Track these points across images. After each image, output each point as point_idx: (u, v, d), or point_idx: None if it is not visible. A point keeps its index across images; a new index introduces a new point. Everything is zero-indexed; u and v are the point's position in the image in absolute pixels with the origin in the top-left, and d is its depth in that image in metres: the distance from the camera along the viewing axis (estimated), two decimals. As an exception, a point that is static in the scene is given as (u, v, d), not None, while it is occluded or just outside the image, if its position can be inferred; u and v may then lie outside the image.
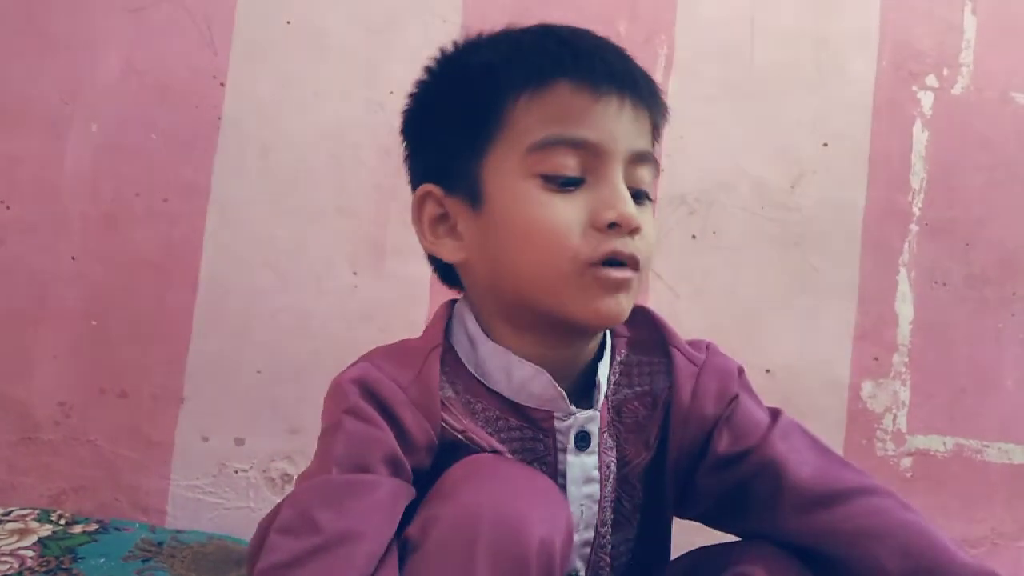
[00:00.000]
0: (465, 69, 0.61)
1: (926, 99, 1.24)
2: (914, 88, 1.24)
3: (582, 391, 0.61)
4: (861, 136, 1.23)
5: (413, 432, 0.56)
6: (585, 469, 0.60)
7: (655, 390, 0.63)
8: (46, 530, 1.05)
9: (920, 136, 1.24)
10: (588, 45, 0.58)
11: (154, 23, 1.21)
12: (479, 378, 0.60)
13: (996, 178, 1.24)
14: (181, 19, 1.22)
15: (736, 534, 0.65)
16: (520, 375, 0.58)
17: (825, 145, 1.23)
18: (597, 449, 0.60)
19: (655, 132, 0.62)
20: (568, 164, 0.55)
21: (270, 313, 1.17)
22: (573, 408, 0.59)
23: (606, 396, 0.62)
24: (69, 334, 1.16)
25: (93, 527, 1.07)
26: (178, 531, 1.09)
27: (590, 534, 0.61)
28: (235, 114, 1.20)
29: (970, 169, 1.24)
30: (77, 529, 1.06)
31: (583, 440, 0.59)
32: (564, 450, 0.59)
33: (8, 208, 1.18)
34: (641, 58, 0.62)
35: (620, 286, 0.56)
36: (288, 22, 1.21)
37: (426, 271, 1.19)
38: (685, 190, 1.21)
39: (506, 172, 0.56)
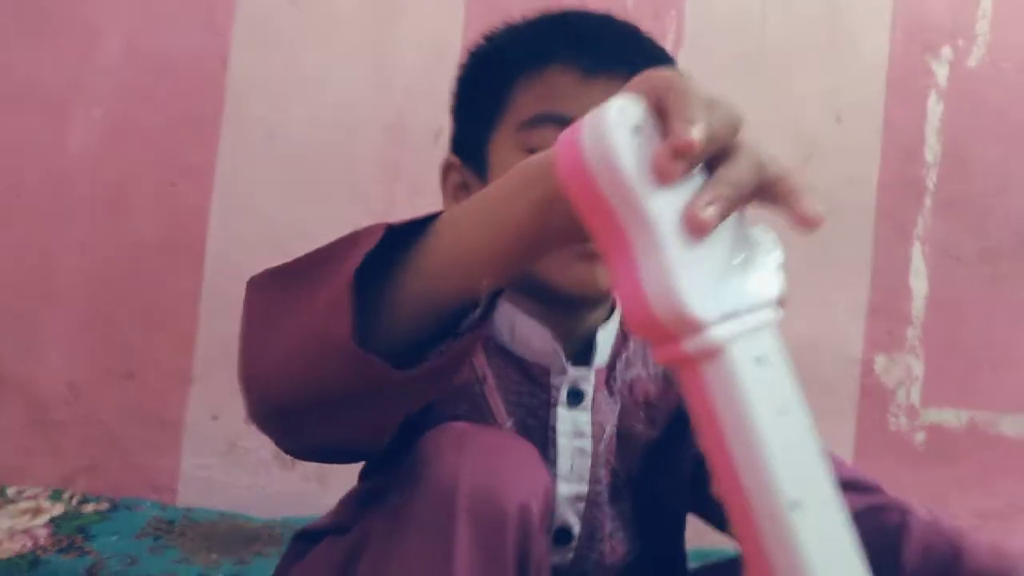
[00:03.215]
0: (482, 54, 0.67)
1: (941, 71, 1.22)
2: (929, 60, 1.22)
3: (585, 355, 0.63)
4: (875, 110, 1.21)
5: None
6: (577, 424, 0.62)
7: (668, 372, 0.66)
8: (58, 509, 1.05)
9: (935, 109, 1.22)
10: (585, 29, 0.62)
11: (156, 4, 1.21)
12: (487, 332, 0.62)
13: (1012, 151, 1.22)
14: (183, 0, 1.21)
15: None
16: (523, 329, 0.62)
17: (839, 119, 1.21)
18: (590, 407, 0.63)
19: None
20: (553, 139, 0.57)
21: (278, 294, 1.17)
22: (568, 365, 0.62)
23: (611, 367, 0.64)
24: (77, 316, 1.17)
25: (104, 506, 1.07)
26: (189, 509, 1.10)
27: (583, 488, 0.62)
28: (240, 95, 1.19)
29: (985, 142, 1.22)
30: (89, 508, 1.06)
31: (575, 396, 0.62)
32: (556, 404, 0.62)
33: (16, 192, 1.17)
34: (650, 33, 0.64)
35: (592, 256, 0.57)
36: (292, 1, 1.20)
37: (434, 250, 1.19)
38: (695, 165, 1.20)
39: (504, 147, 0.61)
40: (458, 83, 0.69)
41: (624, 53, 0.60)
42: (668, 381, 0.66)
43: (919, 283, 1.20)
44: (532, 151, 0.57)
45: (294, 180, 1.19)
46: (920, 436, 1.19)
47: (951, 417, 1.19)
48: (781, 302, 0.37)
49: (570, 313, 0.62)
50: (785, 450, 0.34)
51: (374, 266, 0.41)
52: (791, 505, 0.33)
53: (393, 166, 1.19)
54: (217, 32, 1.20)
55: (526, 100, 0.60)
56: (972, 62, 1.23)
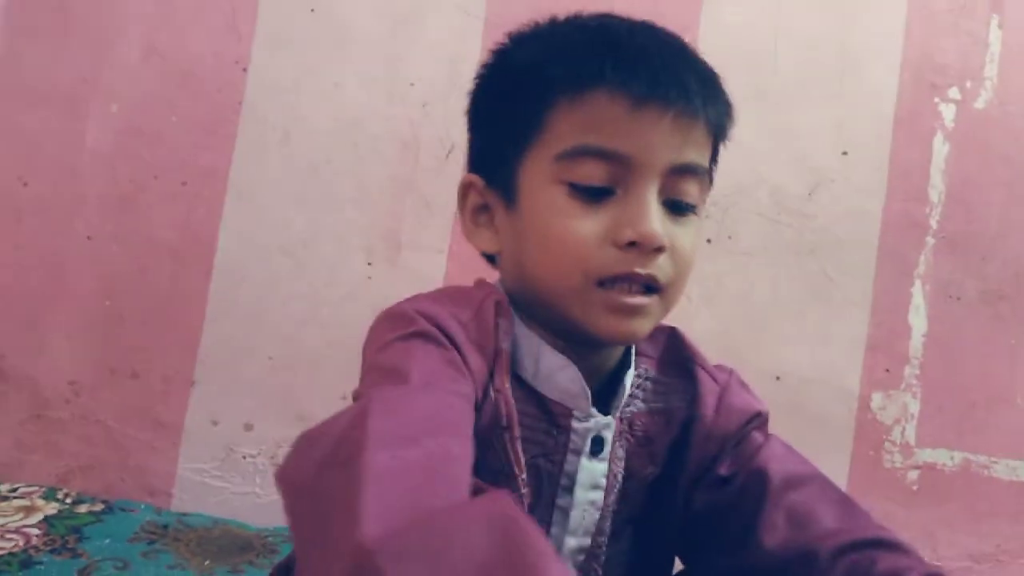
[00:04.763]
0: (513, 65, 0.59)
1: (948, 112, 1.24)
2: (936, 100, 1.24)
3: (599, 396, 0.59)
4: (881, 146, 1.22)
5: (474, 370, 0.53)
6: (594, 475, 0.59)
7: (669, 408, 0.62)
8: (52, 508, 1.05)
9: (940, 149, 1.23)
10: (636, 47, 0.54)
11: (178, 6, 1.22)
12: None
13: (1015, 193, 1.23)
14: (205, 3, 1.22)
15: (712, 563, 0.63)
16: (549, 363, 0.57)
17: (845, 154, 1.22)
18: (608, 457, 0.59)
19: (716, 139, 0.58)
20: (595, 175, 0.53)
21: (284, 300, 1.17)
22: (593, 411, 0.57)
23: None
24: (82, 313, 1.17)
25: (99, 507, 1.07)
26: (183, 514, 1.10)
27: (587, 541, 0.59)
28: (257, 100, 1.20)
29: (989, 184, 1.23)
30: (83, 509, 1.06)
31: (597, 445, 0.58)
32: (577, 452, 0.58)
33: (26, 185, 1.18)
34: (694, 48, 0.60)
35: (631, 311, 0.54)
36: (312, 10, 1.21)
37: (440, 265, 1.20)
38: (702, 194, 1.21)
39: (538, 175, 0.55)
40: (480, 90, 0.61)
41: (675, 77, 0.53)
42: (667, 416, 0.62)
43: (919, 321, 1.21)
44: (571, 185, 0.53)
45: (307, 187, 1.20)
46: (913, 475, 1.20)
47: (945, 457, 1.20)
48: None
49: (592, 349, 0.58)
50: None
51: None
52: None
53: (404, 179, 1.20)
54: (238, 36, 1.21)
55: (566, 127, 0.53)
56: (979, 104, 1.24)
